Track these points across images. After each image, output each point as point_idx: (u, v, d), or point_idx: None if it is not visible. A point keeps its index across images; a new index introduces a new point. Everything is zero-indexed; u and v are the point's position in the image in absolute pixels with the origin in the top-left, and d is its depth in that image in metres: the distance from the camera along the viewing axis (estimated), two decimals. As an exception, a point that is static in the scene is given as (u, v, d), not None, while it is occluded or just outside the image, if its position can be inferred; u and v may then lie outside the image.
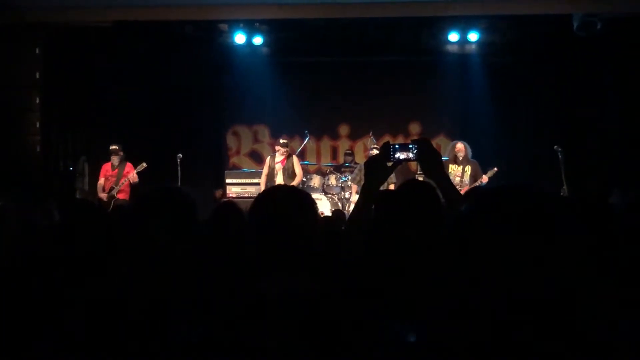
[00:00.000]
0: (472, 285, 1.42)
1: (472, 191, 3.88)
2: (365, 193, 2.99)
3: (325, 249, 2.99)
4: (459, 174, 11.07)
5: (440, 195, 3.08)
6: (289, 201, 2.49)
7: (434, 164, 2.98)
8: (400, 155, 3.00)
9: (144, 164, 11.53)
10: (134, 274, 2.34)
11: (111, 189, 11.45)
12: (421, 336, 1.96)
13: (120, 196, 11.34)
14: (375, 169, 3.01)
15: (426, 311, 1.89)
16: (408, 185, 3.64)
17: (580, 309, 1.39)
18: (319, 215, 2.80)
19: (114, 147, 11.68)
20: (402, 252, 2.59)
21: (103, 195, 11.47)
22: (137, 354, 2.21)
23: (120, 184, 11.44)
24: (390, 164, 3.02)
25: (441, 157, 3.05)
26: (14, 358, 2.42)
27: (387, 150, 3.01)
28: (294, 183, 11.84)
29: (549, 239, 1.38)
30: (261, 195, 2.70)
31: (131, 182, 11.43)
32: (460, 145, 11.20)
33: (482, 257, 1.39)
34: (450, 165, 11.10)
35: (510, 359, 1.38)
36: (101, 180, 11.72)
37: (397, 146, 3.02)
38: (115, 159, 11.68)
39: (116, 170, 11.61)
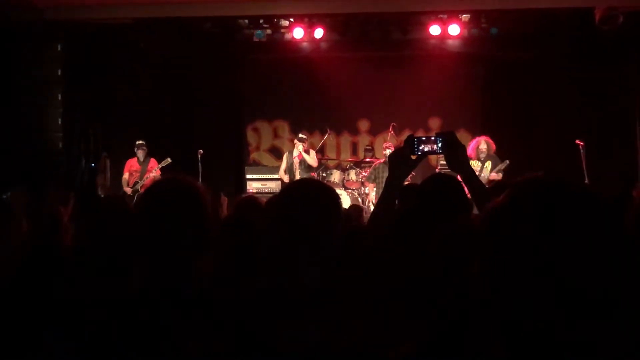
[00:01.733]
0: (508, 284, 1.40)
1: (499, 185, 3.81)
2: (388, 187, 2.96)
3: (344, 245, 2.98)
4: (478, 169, 11.04)
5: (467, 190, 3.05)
6: (314, 195, 2.48)
7: (460, 157, 2.94)
8: (425, 148, 2.96)
9: (169, 159, 11.70)
10: (144, 270, 2.34)
11: (135, 183, 11.66)
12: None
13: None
14: (399, 163, 2.97)
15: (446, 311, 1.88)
16: (434, 179, 3.60)
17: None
18: (342, 209, 2.78)
19: (139, 142, 11.91)
20: (428, 248, 2.57)
21: (127, 190, 11.64)
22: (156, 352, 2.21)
23: (144, 178, 11.62)
24: (414, 157, 2.98)
25: (466, 150, 3.01)
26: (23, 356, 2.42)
27: (411, 143, 2.97)
28: (310, 164, 12.21)
29: (588, 235, 1.36)
30: (286, 188, 2.69)
31: (154, 178, 11.48)
32: (483, 146, 11.16)
33: (520, 253, 1.38)
34: (470, 162, 11.05)
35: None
36: (125, 175, 11.97)
37: (422, 139, 2.98)
38: (140, 154, 11.92)
39: (141, 166, 11.80)
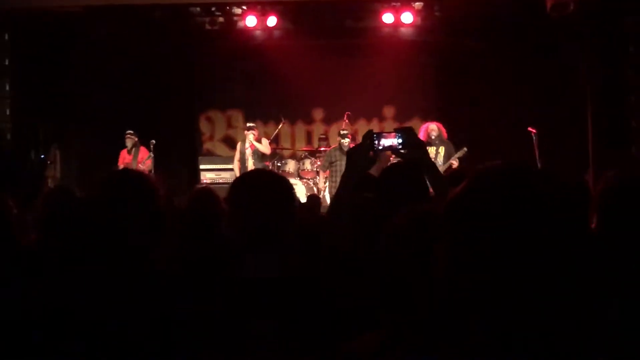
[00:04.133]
0: (467, 273, 1.39)
1: (456, 174, 3.82)
2: (346, 181, 2.95)
3: (303, 233, 2.97)
4: (432, 155, 11.12)
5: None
6: (265, 185, 2.48)
7: (420, 153, 2.95)
8: (385, 143, 2.94)
9: (153, 141, 12.00)
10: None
11: None
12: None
13: None
14: (358, 159, 2.95)
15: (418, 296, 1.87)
16: (392, 169, 3.60)
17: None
18: (297, 199, 2.78)
19: (128, 132, 12.11)
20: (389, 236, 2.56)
21: None
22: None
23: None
24: (372, 153, 2.97)
25: (425, 146, 3.02)
26: None
27: (370, 139, 2.95)
28: (263, 152, 12.24)
29: (547, 220, 1.36)
30: (238, 180, 2.70)
31: (144, 167, 11.75)
32: (433, 126, 11.26)
33: (481, 240, 1.36)
34: None
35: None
36: (120, 167, 11.87)
37: (381, 134, 2.96)
38: (128, 143, 12.13)
39: (131, 156, 11.97)
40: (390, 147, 2.95)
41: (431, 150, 11.14)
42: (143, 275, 2.19)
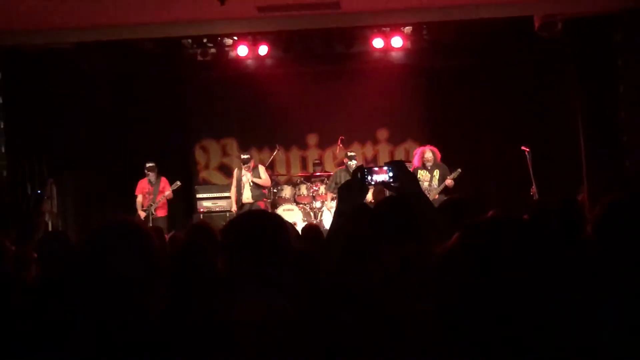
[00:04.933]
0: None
1: (447, 205, 3.83)
2: (339, 215, 2.97)
3: (299, 268, 2.99)
4: (427, 179, 11.22)
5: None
6: (258, 225, 2.52)
7: (410, 186, 2.98)
8: (376, 178, 2.97)
9: (178, 183, 12.18)
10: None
11: (149, 206, 11.93)
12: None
13: (159, 212, 11.92)
14: (350, 194, 2.98)
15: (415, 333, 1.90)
16: (386, 202, 3.63)
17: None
18: (291, 236, 2.81)
19: (150, 164, 12.13)
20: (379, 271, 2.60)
21: (141, 213, 11.94)
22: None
23: (157, 201, 11.94)
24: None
25: (417, 178, 3.06)
26: None
27: (362, 174, 2.98)
28: (263, 185, 12.22)
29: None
30: (232, 222, 2.73)
31: (167, 198, 12.05)
32: (428, 154, 11.34)
33: (469, 296, 1.40)
34: (419, 172, 11.22)
35: None
36: (139, 198, 12.19)
37: (372, 169, 2.99)
38: (152, 176, 12.14)
39: (153, 187, 12.07)
40: (382, 183, 2.98)
41: (426, 175, 11.23)
42: (137, 327, 2.20)
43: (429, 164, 11.30)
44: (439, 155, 11.46)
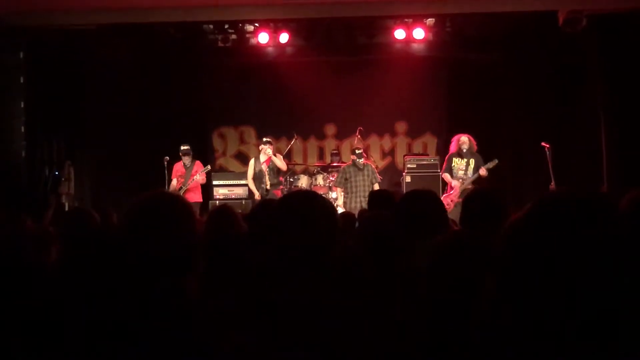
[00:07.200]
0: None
1: (473, 195, 3.79)
2: None
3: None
4: (463, 167, 11.10)
5: None
6: (315, 211, 2.45)
7: None
8: None
9: (209, 167, 12.38)
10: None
11: (180, 188, 11.96)
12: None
13: (189, 196, 11.64)
14: None
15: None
16: (411, 196, 3.60)
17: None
18: (339, 222, 2.74)
19: (184, 147, 12.12)
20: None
21: None
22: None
23: (187, 183, 11.95)
24: None
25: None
26: None
27: None
28: (280, 168, 12.08)
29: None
30: (283, 201, 2.66)
31: (200, 183, 12.06)
32: (464, 138, 11.18)
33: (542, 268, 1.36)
34: (454, 159, 11.14)
35: None
36: (173, 181, 12.20)
37: None
38: (187, 160, 12.16)
39: (186, 170, 12.14)
40: None
41: (462, 163, 11.11)
42: (177, 308, 2.14)
43: (464, 147, 11.06)
44: (474, 143, 11.28)
